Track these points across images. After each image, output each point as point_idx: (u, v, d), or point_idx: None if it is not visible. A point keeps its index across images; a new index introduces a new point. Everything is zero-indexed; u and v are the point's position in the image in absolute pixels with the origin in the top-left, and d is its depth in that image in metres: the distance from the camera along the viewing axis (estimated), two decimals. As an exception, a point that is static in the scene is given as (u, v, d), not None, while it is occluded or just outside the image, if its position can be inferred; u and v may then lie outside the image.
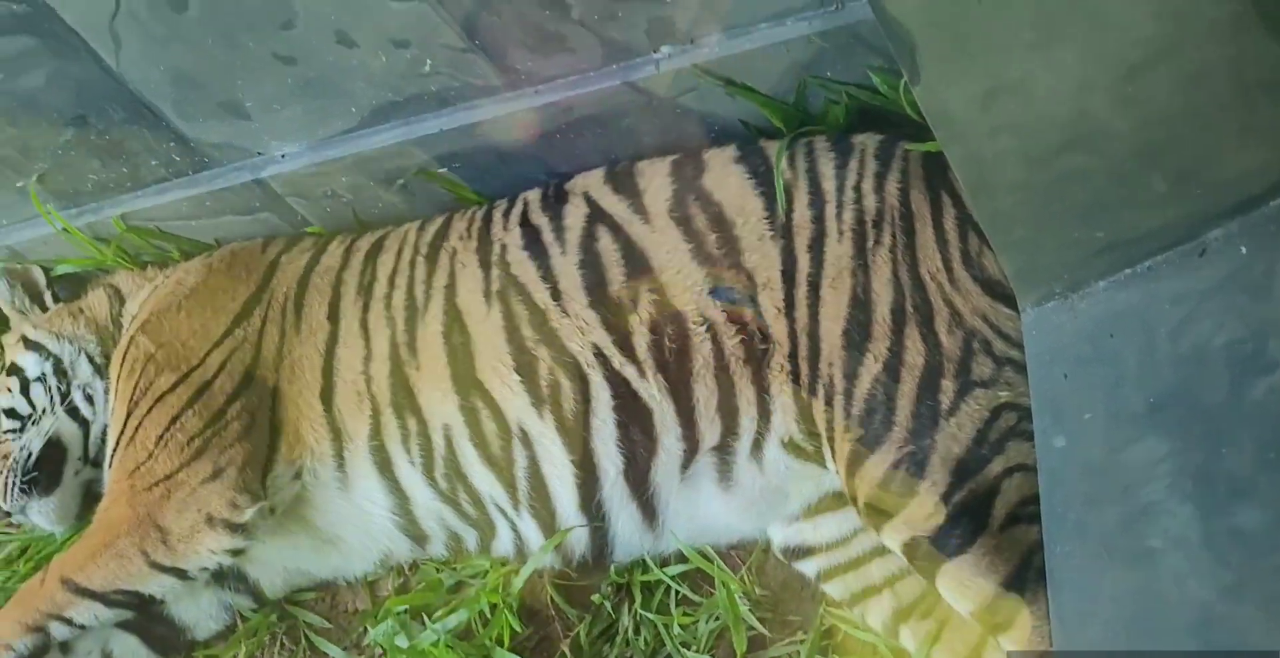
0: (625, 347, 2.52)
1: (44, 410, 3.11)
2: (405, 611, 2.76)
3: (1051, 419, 1.98)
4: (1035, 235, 1.99)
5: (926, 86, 1.77)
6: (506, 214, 2.79)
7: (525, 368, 2.58)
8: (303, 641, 2.89)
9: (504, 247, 2.72)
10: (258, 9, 2.62)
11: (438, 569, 2.85)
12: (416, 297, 2.76)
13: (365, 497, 2.76)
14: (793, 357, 2.40)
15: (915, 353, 2.27)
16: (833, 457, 2.34)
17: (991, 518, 2.15)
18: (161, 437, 2.74)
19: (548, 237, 2.68)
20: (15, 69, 2.86)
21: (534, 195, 2.81)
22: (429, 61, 2.68)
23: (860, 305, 2.34)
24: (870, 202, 2.43)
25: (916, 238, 2.37)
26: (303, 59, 2.71)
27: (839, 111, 2.59)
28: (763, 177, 2.55)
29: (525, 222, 2.74)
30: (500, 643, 2.64)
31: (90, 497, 3.06)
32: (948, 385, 2.24)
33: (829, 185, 2.48)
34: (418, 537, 2.78)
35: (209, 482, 2.68)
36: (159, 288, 3.12)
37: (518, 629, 2.64)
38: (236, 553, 2.73)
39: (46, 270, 3.34)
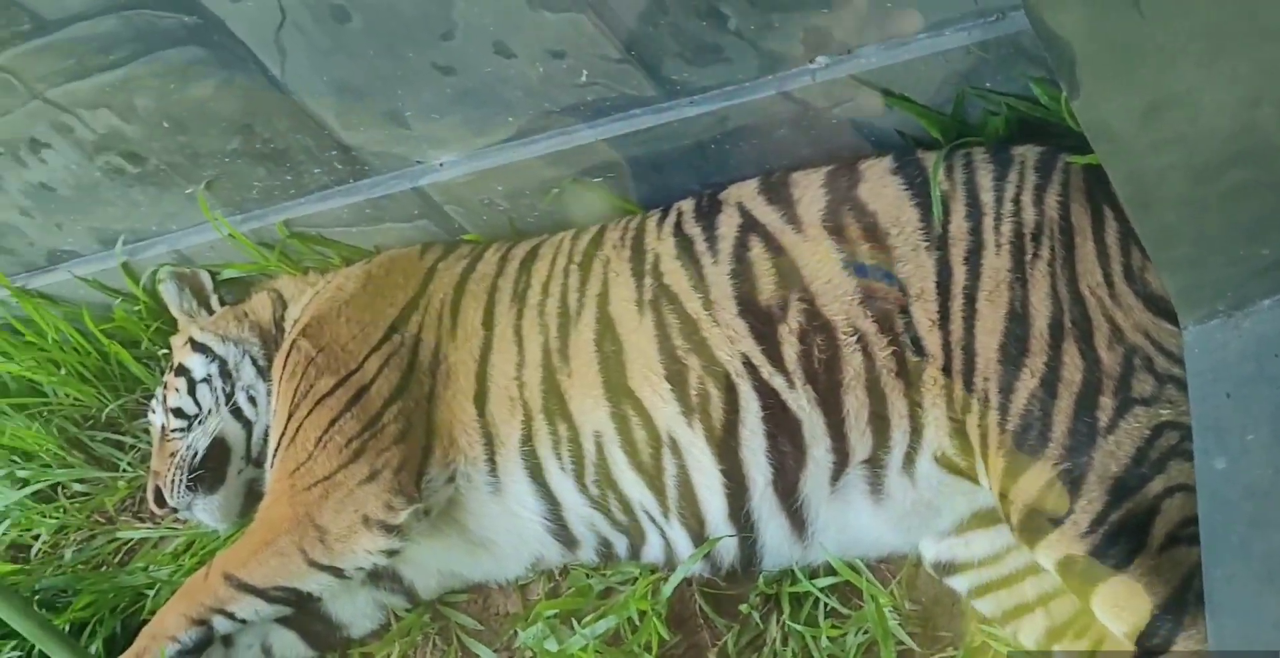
0: (774, 357, 2.51)
1: (209, 411, 3.19)
2: (555, 615, 2.78)
3: (1213, 440, 1.94)
4: (1199, 252, 1.94)
5: (1086, 100, 1.74)
6: (660, 224, 2.80)
7: (676, 377, 2.58)
8: (455, 642, 2.92)
9: (657, 256, 2.72)
10: (418, 20, 2.65)
11: (588, 575, 2.86)
12: (570, 304, 2.78)
13: (517, 501, 2.78)
14: (946, 370, 2.36)
15: (1073, 369, 2.23)
16: (986, 473, 2.31)
17: (1150, 538, 2.10)
18: (320, 439, 2.80)
19: (700, 246, 2.68)
20: (185, 79, 2.94)
21: (688, 205, 2.80)
22: (585, 72, 2.69)
23: (1017, 319, 2.30)
24: (1029, 214, 2.38)
25: (1076, 252, 2.33)
26: (461, 69, 2.74)
27: (998, 123, 2.55)
28: (919, 187, 2.51)
29: (678, 231, 2.74)
30: (648, 650, 2.64)
31: (253, 496, 3.14)
32: (1106, 402, 2.19)
33: (987, 197, 2.44)
34: (569, 542, 2.80)
35: (366, 484, 2.73)
36: (320, 293, 3.18)
37: (665, 637, 2.64)
38: (391, 554, 2.78)
39: (213, 274, 3.43)
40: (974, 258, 2.39)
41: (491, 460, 2.78)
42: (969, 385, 2.32)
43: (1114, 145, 1.80)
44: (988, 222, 2.41)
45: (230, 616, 2.81)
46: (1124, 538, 2.11)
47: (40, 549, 3.53)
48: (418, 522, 2.76)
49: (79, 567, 3.41)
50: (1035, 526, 2.20)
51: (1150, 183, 1.85)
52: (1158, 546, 2.10)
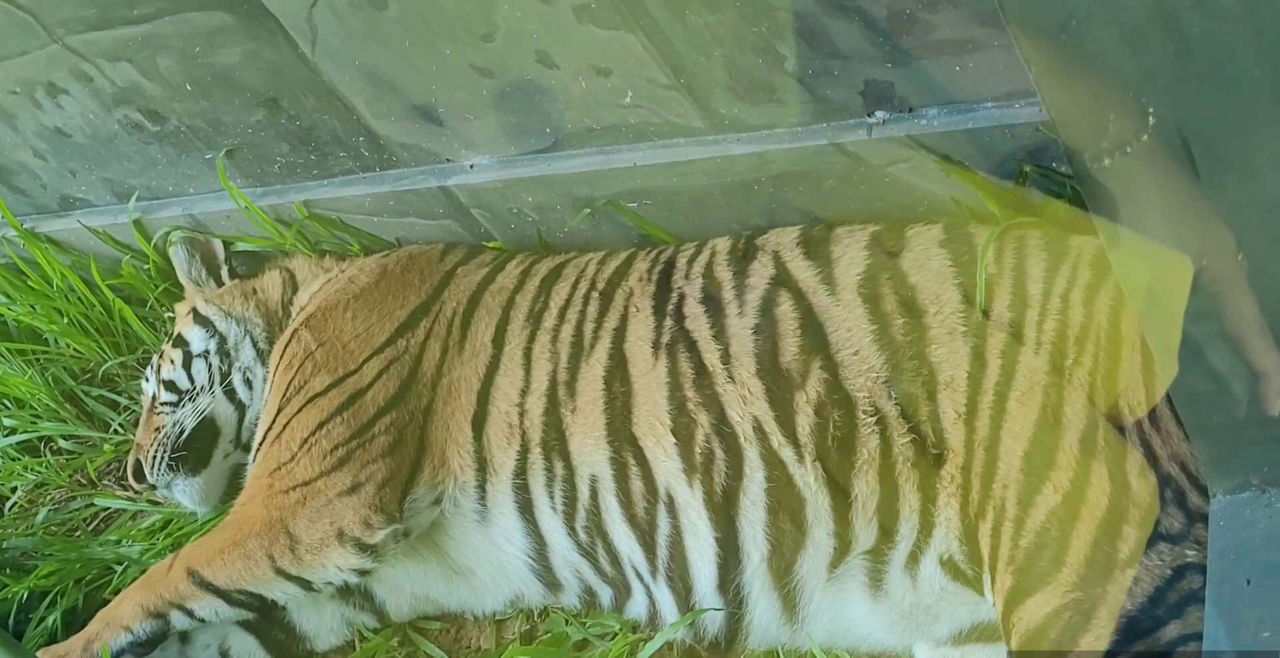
0: (787, 426, 2.34)
1: (202, 388, 3.08)
2: (526, 664, 2.64)
3: (1225, 631, 1.75)
4: (1237, 425, 1.74)
5: (1123, 259, 1.54)
6: (691, 262, 2.62)
7: (682, 431, 2.42)
8: (419, 672, 2.79)
9: (682, 297, 2.55)
10: (459, 17, 2.48)
11: (566, 621, 2.71)
12: (584, 335, 2.61)
13: (503, 535, 2.64)
14: (965, 469, 2.18)
15: (1099, 491, 2.03)
16: (992, 587, 2.13)
17: (1158, 689, 1.94)
18: (306, 440, 2.67)
19: (727, 294, 2.50)
20: (211, 44, 2.81)
21: (723, 245, 2.63)
22: (630, 93, 2.51)
23: (1048, 428, 2.11)
24: (1076, 314, 2.18)
25: (1121, 364, 2.13)
26: (500, 73, 2.57)
27: (1060, 207, 2.34)
28: (965, 266, 2.31)
29: (708, 273, 2.57)
30: (618, 718, 2.50)
31: (237, 481, 3.02)
32: (1130, 533, 2.00)
33: (1035, 288, 2.24)
34: (551, 584, 2.65)
35: (345, 495, 2.59)
36: (332, 281, 3.03)
37: (635, 710, 2.49)
38: (363, 573, 2.64)
39: (227, 245, 3.30)
40: (1011, 353, 2.20)
41: (482, 488, 2.63)
42: (986, 490, 2.14)
43: (1152, 306, 1.60)
44: (1031, 315, 2.21)
45: (189, 613, 2.68)
46: None
47: (17, 503, 3.45)
48: (395, 543, 2.61)
49: (51, 529, 3.32)
50: (1036, 655, 2.02)
51: (1190, 351, 1.65)
52: (1165, 698, 1.93)
